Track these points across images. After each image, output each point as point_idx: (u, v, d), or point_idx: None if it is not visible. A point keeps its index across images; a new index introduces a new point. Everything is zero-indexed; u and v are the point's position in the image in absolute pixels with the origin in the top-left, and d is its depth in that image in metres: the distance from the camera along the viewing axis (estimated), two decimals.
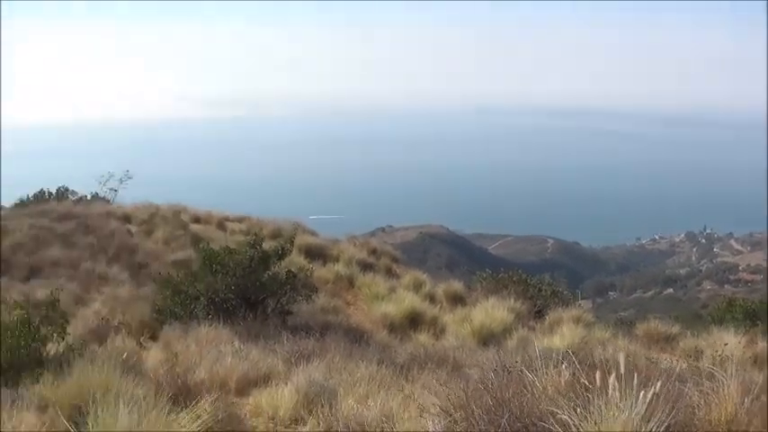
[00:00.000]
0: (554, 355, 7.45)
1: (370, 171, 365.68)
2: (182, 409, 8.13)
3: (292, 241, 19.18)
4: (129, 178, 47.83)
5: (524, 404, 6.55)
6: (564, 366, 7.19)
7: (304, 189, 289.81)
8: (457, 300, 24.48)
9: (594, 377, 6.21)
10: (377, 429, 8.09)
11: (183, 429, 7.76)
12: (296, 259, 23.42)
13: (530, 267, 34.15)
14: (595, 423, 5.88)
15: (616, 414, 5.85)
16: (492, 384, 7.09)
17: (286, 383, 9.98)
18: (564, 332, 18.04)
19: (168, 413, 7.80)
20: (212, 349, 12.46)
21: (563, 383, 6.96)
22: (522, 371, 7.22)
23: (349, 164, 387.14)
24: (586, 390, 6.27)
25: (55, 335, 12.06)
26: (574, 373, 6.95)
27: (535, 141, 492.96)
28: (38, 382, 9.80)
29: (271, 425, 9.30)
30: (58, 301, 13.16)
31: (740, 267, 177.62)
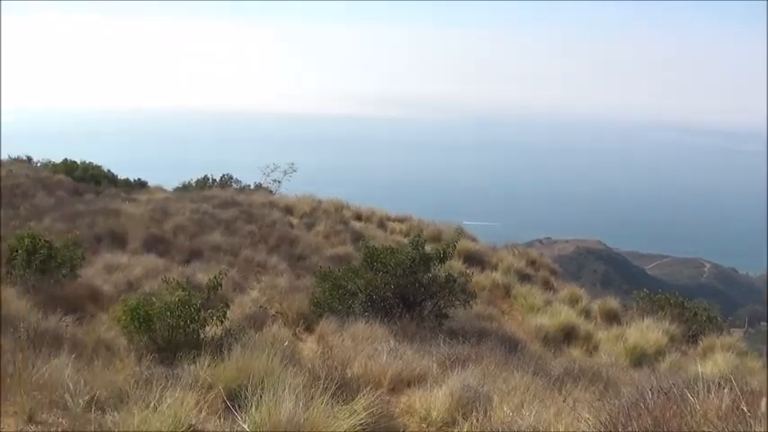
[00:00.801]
0: (713, 380, 7.07)
1: (527, 176, 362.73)
2: (338, 403, 8.02)
3: (454, 245, 18.91)
4: (294, 171, 48.48)
5: (683, 426, 6.23)
6: (726, 391, 6.81)
7: (462, 192, 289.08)
8: (612, 317, 23.98)
9: (757, 404, 5.90)
10: None
11: (342, 422, 7.67)
12: (455, 264, 23.22)
13: (683, 290, 33.05)
14: None
15: None
16: (650, 404, 6.77)
17: (440, 386, 9.81)
18: (717, 359, 17.57)
19: (326, 405, 7.72)
20: (367, 346, 12.36)
21: (723, 408, 6.57)
22: (682, 393, 6.86)
23: (510, 170, 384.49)
24: (747, 416, 5.92)
25: (214, 318, 12.15)
26: (734, 400, 6.56)
27: (708, 163, 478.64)
28: (194, 363, 9.80)
29: (423, 425, 9.16)
30: (221, 285, 13.27)
31: None
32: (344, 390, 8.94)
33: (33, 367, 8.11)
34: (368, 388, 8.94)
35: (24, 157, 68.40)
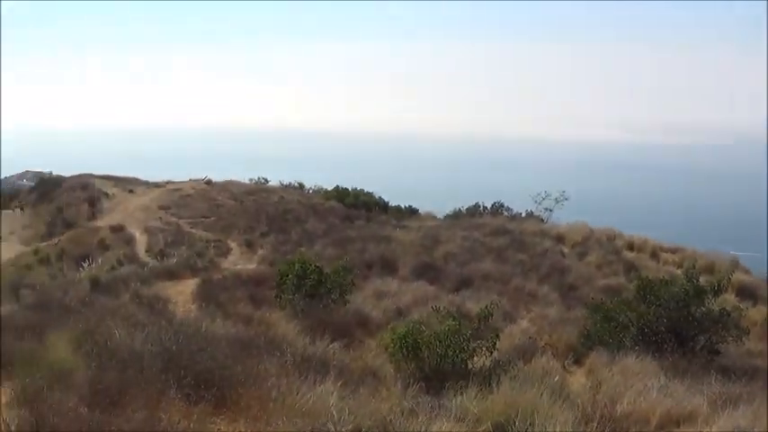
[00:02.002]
0: None
1: None
2: None
3: (729, 278, 17.90)
4: (565, 199, 47.93)
5: None
6: None
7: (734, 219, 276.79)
8: None
9: None
10: None
11: None
12: (727, 297, 22.06)
13: None
14: None
15: None
16: None
17: (710, 426, 9.43)
18: None
19: None
20: (637, 381, 11.85)
21: None
22: None
23: None
24: None
25: (483, 348, 11.95)
26: None
27: None
28: (461, 394, 9.59)
29: None
30: (491, 315, 13.05)
31: None
32: (613, 428, 8.57)
33: (298, 393, 8.12)
34: (635, 426, 8.55)
35: (296, 184, 71.13)
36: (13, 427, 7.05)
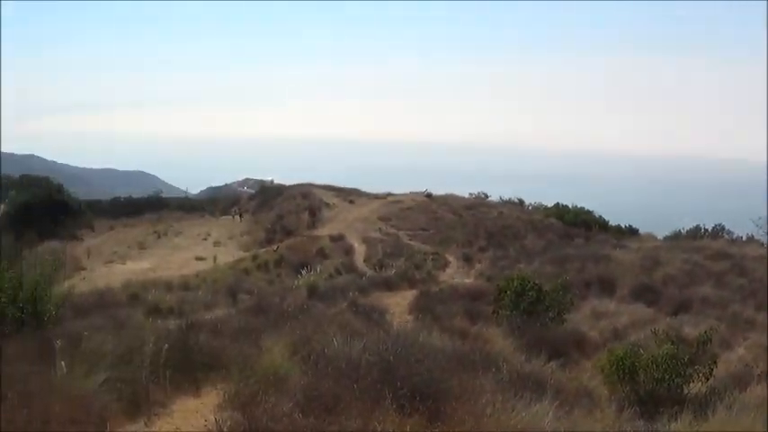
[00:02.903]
0: None
1: None
2: None
3: None
4: None
5: None
6: None
7: None
8: None
9: None
10: None
11: None
12: None
13: None
14: None
15: None
16: None
17: None
18: None
19: None
20: None
21: None
22: None
23: None
24: None
25: (700, 374, 11.83)
26: None
27: None
28: (675, 420, 9.56)
29: None
30: (710, 341, 12.87)
31: None
32: None
33: (513, 411, 8.21)
34: None
35: (516, 200, 71.09)
36: (225, 429, 7.43)
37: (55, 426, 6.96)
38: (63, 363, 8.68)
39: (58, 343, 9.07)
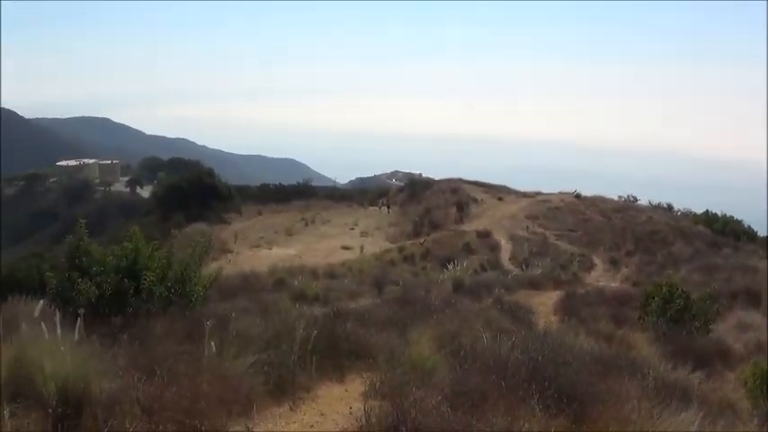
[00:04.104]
0: None
1: None
2: None
3: None
4: None
5: None
6: None
7: None
8: None
9: None
10: None
11: None
12: None
13: None
14: None
15: None
16: None
17: None
18: None
19: None
20: None
21: None
22: None
23: None
24: None
25: None
26: None
27: None
28: None
29: None
30: None
31: None
32: None
33: (658, 418, 8.10)
34: None
35: (665, 205, 69.85)
36: (373, 418, 7.48)
37: (203, 404, 7.19)
38: (213, 343, 8.96)
39: (208, 324, 9.37)
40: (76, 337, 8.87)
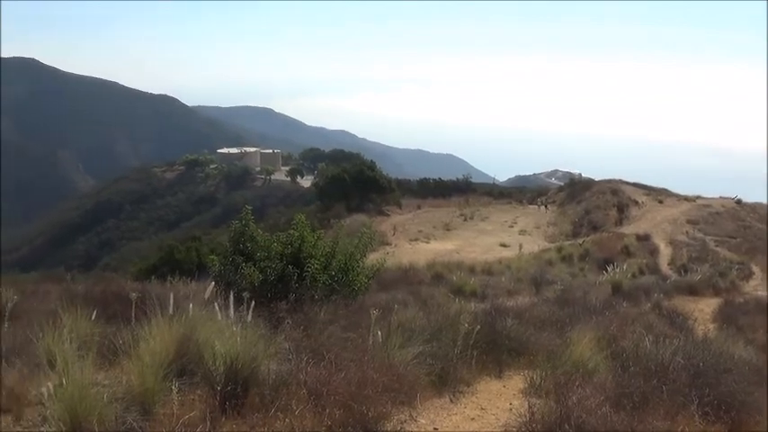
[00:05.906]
0: None
1: None
2: None
3: None
4: None
5: None
6: None
7: None
8: None
9: None
10: None
11: None
12: None
13: None
14: None
15: None
16: None
17: None
18: None
19: None
20: None
21: None
22: None
23: None
24: None
25: None
26: None
27: None
28: None
29: None
30: None
31: None
32: None
33: None
34: None
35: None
36: (538, 415, 7.51)
37: (369, 391, 7.38)
38: (380, 332, 9.20)
39: (374, 313, 9.64)
40: (249, 318, 9.18)
